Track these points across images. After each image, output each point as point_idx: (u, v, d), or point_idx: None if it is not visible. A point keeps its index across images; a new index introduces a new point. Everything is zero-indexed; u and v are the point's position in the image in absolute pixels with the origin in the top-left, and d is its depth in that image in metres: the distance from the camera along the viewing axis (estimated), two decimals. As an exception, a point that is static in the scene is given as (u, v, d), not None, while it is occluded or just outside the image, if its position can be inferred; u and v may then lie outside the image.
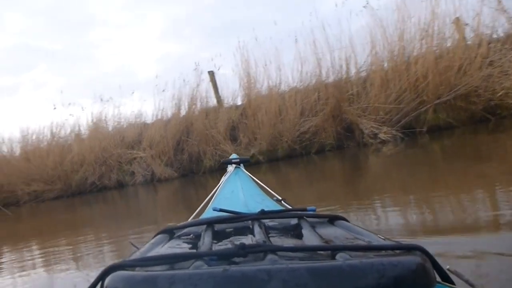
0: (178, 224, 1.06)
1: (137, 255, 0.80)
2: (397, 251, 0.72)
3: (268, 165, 8.51)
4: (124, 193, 9.34)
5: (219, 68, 10.24)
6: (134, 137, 10.50)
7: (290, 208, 1.43)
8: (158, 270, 0.66)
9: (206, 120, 9.60)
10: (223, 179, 2.15)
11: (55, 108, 11.55)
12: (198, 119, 9.64)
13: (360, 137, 8.21)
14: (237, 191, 1.73)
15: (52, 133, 11.79)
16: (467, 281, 0.79)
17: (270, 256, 0.68)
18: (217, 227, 1.03)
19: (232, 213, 1.14)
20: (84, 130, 11.52)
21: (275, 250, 0.70)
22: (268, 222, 1.05)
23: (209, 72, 10.33)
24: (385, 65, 8.51)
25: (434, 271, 0.68)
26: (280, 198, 1.79)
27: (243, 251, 0.70)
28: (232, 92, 10.16)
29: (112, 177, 10.17)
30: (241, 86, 9.75)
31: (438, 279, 0.73)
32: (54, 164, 10.80)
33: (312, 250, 0.75)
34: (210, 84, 10.31)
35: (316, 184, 5.20)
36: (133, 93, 11.17)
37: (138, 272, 0.64)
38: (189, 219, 1.46)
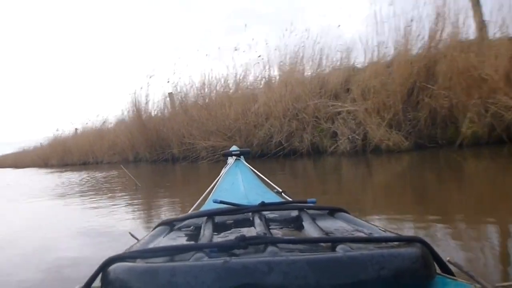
0: (178, 216, 1.05)
1: (137, 246, 0.79)
2: (398, 243, 0.70)
3: None
4: (320, 166, 6.32)
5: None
6: (338, 84, 7.34)
7: (290, 200, 1.39)
8: (158, 262, 0.66)
9: (464, 55, 5.68)
10: (223, 171, 2.14)
11: (243, 51, 9.45)
12: (449, 53, 5.77)
13: None
14: (238, 183, 1.67)
15: (236, 80, 9.84)
16: (467, 273, 0.72)
17: (270, 248, 0.67)
18: (218, 219, 1.01)
19: (233, 205, 1.08)
20: (275, 75, 9.11)
21: (275, 242, 0.70)
22: (268, 214, 1.04)
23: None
24: None
25: (435, 263, 0.67)
26: (281, 190, 1.73)
27: (244, 243, 0.68)
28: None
29: (305, 138, 7.28)
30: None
31: (439, 271, 0.69)
32: (236, 115, 8.61)
33: (312, 242, 0.75)
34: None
35: None
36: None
37: (139, 264, 0.64)
38: (189, 211, 1.43)
